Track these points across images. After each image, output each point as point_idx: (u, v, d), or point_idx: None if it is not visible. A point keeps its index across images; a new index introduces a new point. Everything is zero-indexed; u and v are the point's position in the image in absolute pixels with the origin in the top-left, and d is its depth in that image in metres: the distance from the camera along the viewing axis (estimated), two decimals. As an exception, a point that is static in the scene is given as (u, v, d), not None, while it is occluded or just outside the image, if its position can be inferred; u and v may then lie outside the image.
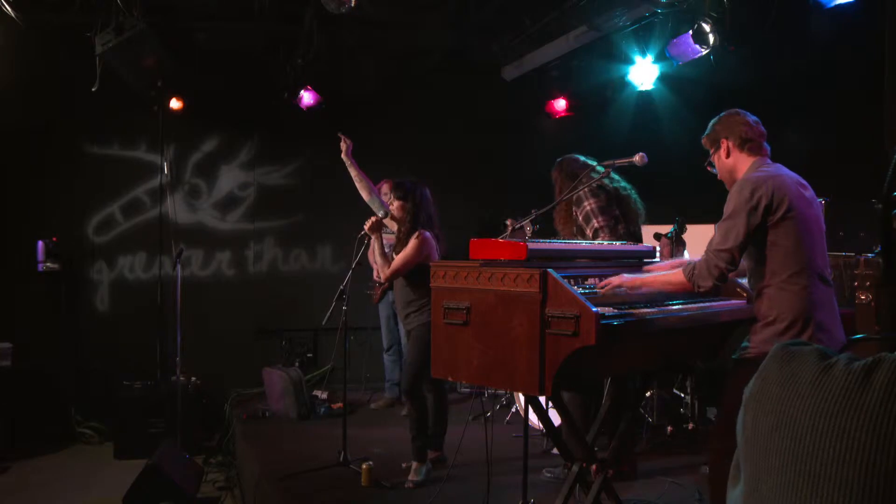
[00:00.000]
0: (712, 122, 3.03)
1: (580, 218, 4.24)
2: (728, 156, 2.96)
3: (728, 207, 2.80)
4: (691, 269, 2.83)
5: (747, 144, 2.92)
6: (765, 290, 2.80)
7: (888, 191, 1.49)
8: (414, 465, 4.45)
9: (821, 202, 3.14)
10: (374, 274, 5.96)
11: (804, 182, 2.88)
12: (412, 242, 4.38)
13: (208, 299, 7.19)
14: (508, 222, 4.64)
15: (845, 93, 5.50)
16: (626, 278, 2.92)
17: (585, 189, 4.14)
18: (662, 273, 3.03)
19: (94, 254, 7.02)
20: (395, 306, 4.94)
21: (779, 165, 2.91)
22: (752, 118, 2.97)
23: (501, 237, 4.50)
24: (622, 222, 4.23)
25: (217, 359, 6.92)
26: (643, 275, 3.06)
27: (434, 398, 4.61)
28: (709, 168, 3.09)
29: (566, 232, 4.35)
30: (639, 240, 4.34)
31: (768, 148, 2.97)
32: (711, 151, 3.03)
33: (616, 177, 4.32)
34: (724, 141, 2.95)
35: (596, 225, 4.16)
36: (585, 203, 4.19)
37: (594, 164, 4.31)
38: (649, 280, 2.97)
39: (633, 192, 4.38)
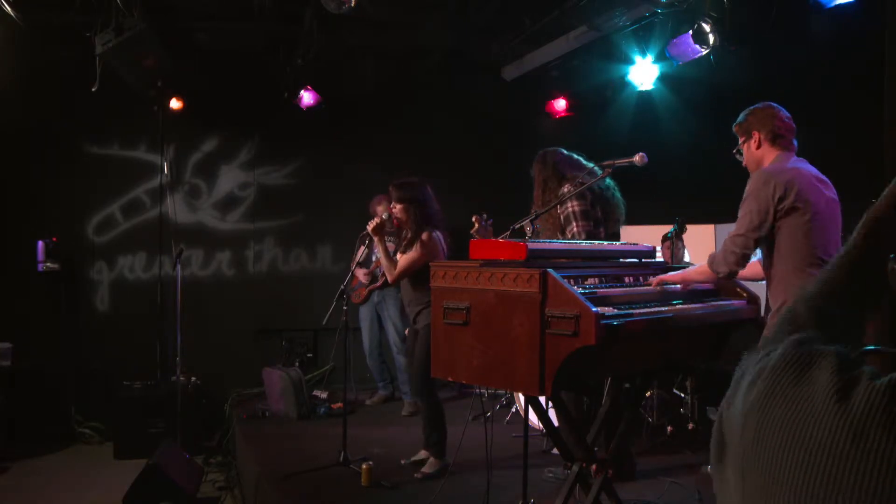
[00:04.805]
0: (746, 112, 3.15)
1: (562, 217, 4.11)
2: (758, 147, 3.09)
3: (744, 195, 2.96)
4: (712, 257, 3.00)
5: (778, 140, 3.05)
6: (776, 274, 2.92)
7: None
8: (431, 459, 4.48)
9: None
10: (356, 272, 5.91)
11: (825, 180, 3.03)
12: (418, 243, 4.39)
13: (208, 299, 7.19)
14: (475, 219, 4.23)
15: (845, 93, 5.49)
16: (667, 276, 3.15)
17: (571, 188, 4.02)
18: (695, 266, 3.24)
19: (94, 254, 7.02)
20: (404, 306, 4.87)
21: (803, 161, 3.04)
22: (785, 113, 3.10)
23: (496, 233, 4.44)
24: (603, 224, 4.13)
25: (217, 359, 6.92)
26: (680, 272, 3.28)
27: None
28: (737, 156, 3.21)
29: (550, 230, 4.17)
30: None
31: (796, 144, 3.10)
32: (742, 140, 3.15)
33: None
34: (757, 133, 3.08)
35: (575, 229, 4.03)
36: (569, 204, 4.04)
37: (580, 158, 4.26)
38: (688, 274, 3.18)
39: (616, 191, 4.23)
